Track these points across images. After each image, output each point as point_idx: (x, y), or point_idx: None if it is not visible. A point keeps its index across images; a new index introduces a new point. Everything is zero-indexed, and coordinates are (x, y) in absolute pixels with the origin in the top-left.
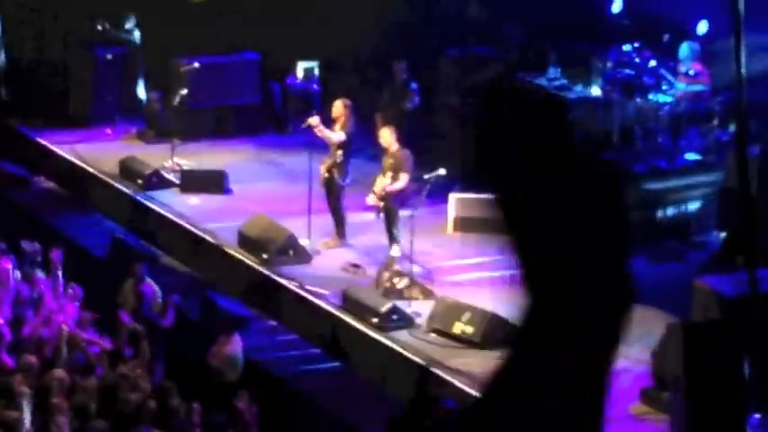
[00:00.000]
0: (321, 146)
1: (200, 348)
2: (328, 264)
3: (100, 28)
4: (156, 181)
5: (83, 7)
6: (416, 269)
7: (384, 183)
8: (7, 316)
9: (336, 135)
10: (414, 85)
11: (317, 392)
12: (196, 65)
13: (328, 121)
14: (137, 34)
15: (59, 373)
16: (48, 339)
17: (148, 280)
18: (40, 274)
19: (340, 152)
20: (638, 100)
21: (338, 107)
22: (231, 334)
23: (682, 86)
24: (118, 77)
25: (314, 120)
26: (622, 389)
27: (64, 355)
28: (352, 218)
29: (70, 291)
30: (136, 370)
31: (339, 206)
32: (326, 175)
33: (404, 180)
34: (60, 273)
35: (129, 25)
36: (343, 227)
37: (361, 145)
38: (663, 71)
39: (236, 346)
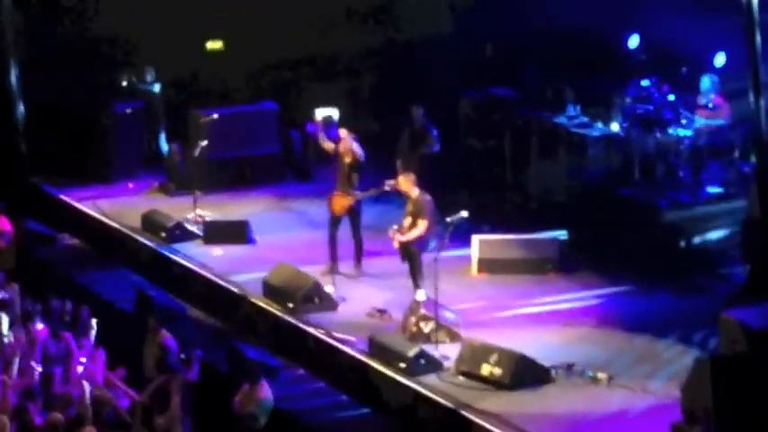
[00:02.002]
0: None
1: (230, 400)
2: (354, 310)
3: (125, 84)
4: (180, 233)
5: (103, 61)
6: (443, 313)
7: (404, 226)
8: (37, 374)
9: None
10: (433, 130)
11: None
12: (215, 116)
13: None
14: (157, 87)
15: (89, 430)
16: (76, 397)
17: (167, 333)
18: (68, 332)
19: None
20: (658, 135)
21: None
22: (257, 381)
23: (701, 120)
24: (138, 131)
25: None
26: (653, 425)
27: (89, 413)
28: (377, 263)
29: (97, 349)
30: (165, 423)
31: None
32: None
33: (422, 227)
34: (89, 332)
35: (149, 78)
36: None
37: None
38: (682, 105)
39: (264, 391)
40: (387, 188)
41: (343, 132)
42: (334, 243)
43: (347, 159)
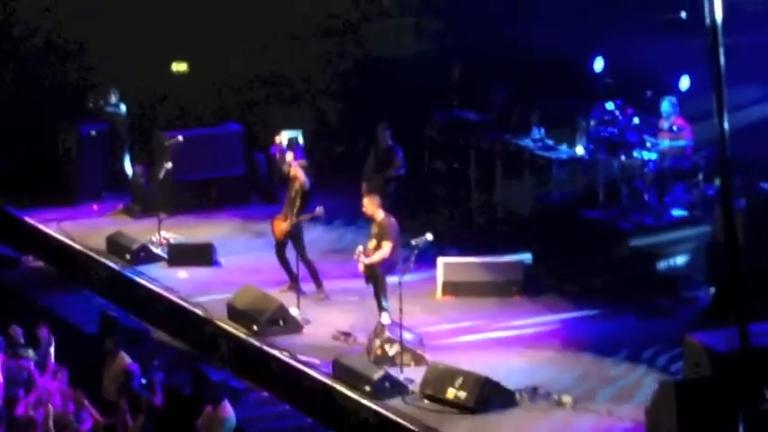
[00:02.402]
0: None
1: (192, 422)
2: (319, 333)
3: (91, 105)
4: (144, 255)
5: (66, 84)
6: (407, 335)
7: (369, 249)
8: (1, 399)
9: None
10: (399, 152)
11: None
12: (180, 138)
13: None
14: (122, 108)
15: None
16: (39, 420)
17: (126, 357)
18: (29, 353)
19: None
20: (622, 158)
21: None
22: (220, 402)
23: (665, 143)
24: (103, 153)
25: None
26: None
27: None
28: (342, 285)
29: (57, 370)
30: None
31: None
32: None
33: (386, 249)
34: (48, 351)
35: (113, 99)
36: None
37: (350, 213)
38: (646, 128)
39: (226, 412)
40: (318, 214)
41: (289, 157)
42: (285, 264)
43: (296, 185)
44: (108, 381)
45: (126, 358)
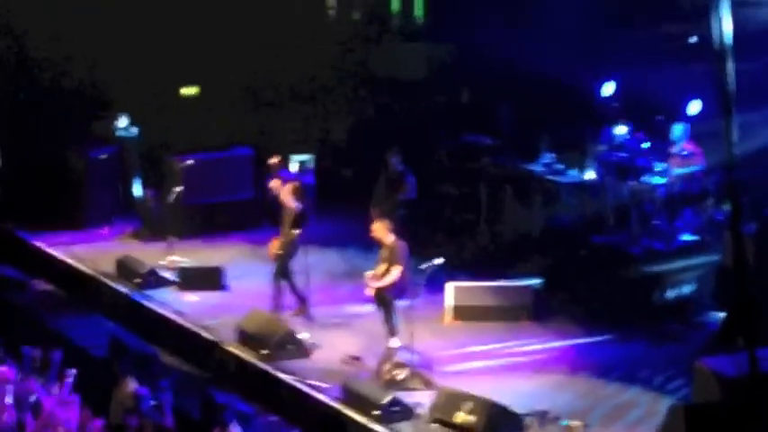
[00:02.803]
0: (317, 240)
1: None
2: (328, 357)
3: (103, 129)
4: (154, 280)
5: (76, 108)
6: (416, 359)
7: (378, 273)
8: (10, 421)
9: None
10: (410, 177)
11: None
12: (190, 162)
13: None
14: (134, 132)
15: None
16: None
17: (134, 381)
18: (39, 378)
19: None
20: (632, 182)
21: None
22: (227, 425)
23: (676, 169)
24: (112, 177)
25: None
26: None
27: None
28: (351, 309)
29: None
30: None
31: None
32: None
33: (395, 273)
34: (62, 376)
35: (123, 124)
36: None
37: (359, 237)
38: (656, 153)
39: None
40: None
41: (273, 184)
42: (292, 288)
43: (286, 209)
44: (115, 405)
45: (133, 382)
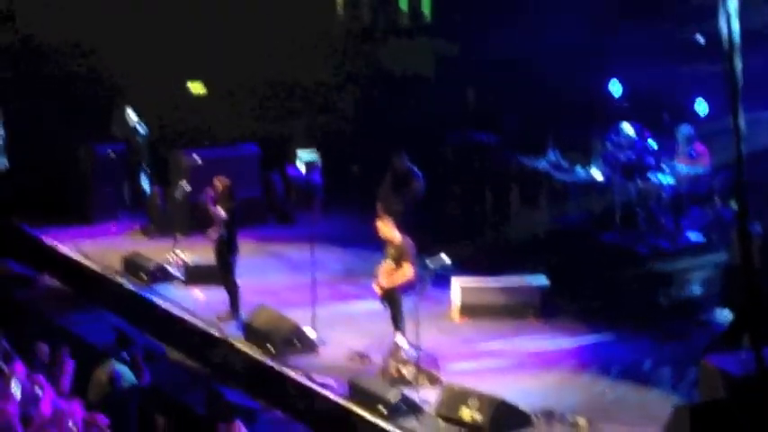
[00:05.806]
0: (324, 237)
1: None
2: (334, 353)
3: (114, 128)
4: (161, 276)
5: (83, 104)
6: (422, 356)
7: (386, 270)
8: (17, 416)
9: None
10: (418, 174)
11: None
12: (197, 158)
13: None
14: (142, 128)
15: None
16: None
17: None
18: (46, 373)
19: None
20: (639, 181)
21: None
22: (232, 420)
23: (683, 168)
24: (119, 173)
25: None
26: None
27: None
28: (357, 306)
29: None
30: None
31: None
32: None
33: (408, 272)
34: (67, 371)
35: (132, 120)
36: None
37: (365, 234)
38: (663, 152)
39: (238, 430)
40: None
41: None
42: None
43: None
44: (92, 385)
45: (112, 363)
